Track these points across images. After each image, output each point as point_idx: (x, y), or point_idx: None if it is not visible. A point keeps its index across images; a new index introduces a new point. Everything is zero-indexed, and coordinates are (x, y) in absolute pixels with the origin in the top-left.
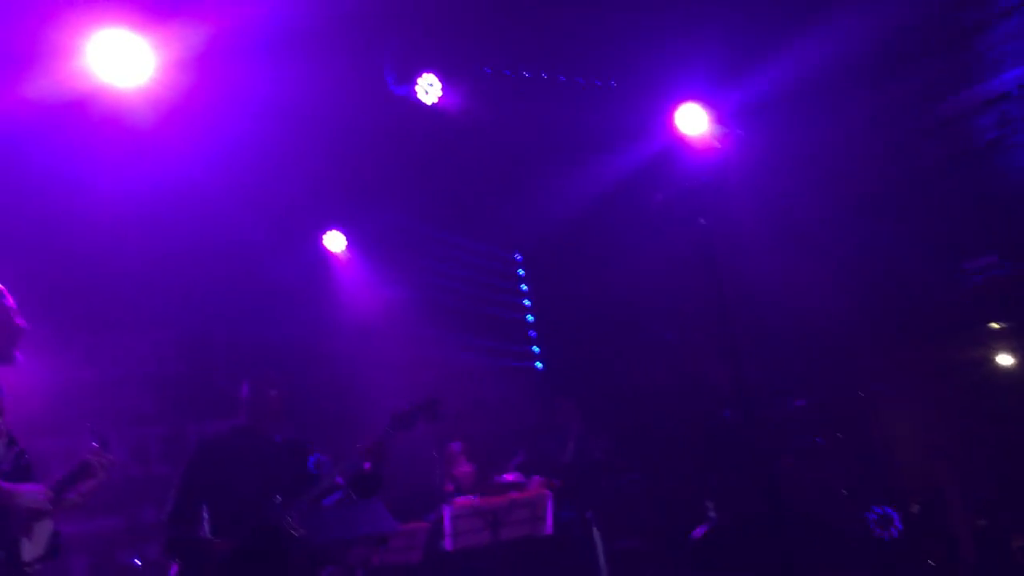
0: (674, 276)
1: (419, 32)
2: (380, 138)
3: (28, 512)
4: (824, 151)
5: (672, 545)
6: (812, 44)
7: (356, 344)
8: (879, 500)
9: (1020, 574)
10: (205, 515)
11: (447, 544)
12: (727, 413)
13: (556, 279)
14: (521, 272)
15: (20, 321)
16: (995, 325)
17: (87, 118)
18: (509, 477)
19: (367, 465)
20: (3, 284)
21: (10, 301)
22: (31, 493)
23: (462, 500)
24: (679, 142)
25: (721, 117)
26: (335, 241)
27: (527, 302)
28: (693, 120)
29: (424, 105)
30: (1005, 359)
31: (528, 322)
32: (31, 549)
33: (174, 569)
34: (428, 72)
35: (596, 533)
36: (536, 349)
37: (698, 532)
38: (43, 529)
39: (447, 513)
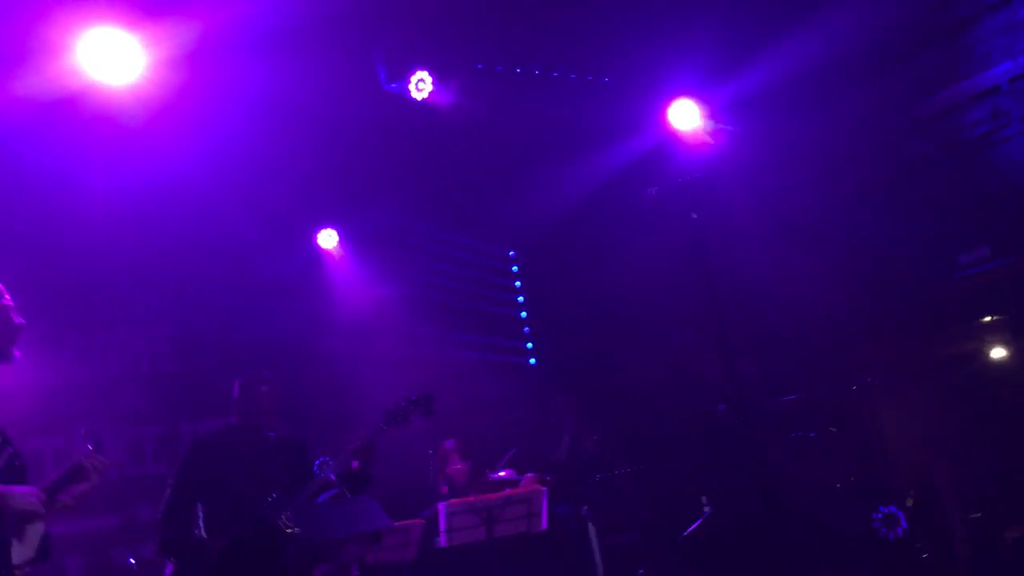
0: (667, 271)
1: (411, 29)
2: (373, 135)
3: (19, 514)
4: (816, 146)
5: (667, 540)
6: (804, 40)
7: (350, 341)
8: (876, 495)
9: (1013, 566)
10: (200, 514)
11: (442, 541)
12: (721, 407)
13: (550, 275)
14: (515, 268)
15: (18, 318)
16: (987, 318)
17: (78, 116)
18: (502, 474)
19: (355, 463)
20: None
21: (8, 299)
22: (23, 495)
23: (456, 498)
24: (672, 137)
25: (714, 112)
26: (328, 239)
27: (521, 298)
28: (686, 116)
29: (417, 102)
30: (997, 352)
31: (522, 318)
32: (21, 551)
33: (169, 568)
34: (420, 69)
35: (591, 529)
36: (530, 345)
37: (693, 527)
38: (34, 531)
39: (442, 510)
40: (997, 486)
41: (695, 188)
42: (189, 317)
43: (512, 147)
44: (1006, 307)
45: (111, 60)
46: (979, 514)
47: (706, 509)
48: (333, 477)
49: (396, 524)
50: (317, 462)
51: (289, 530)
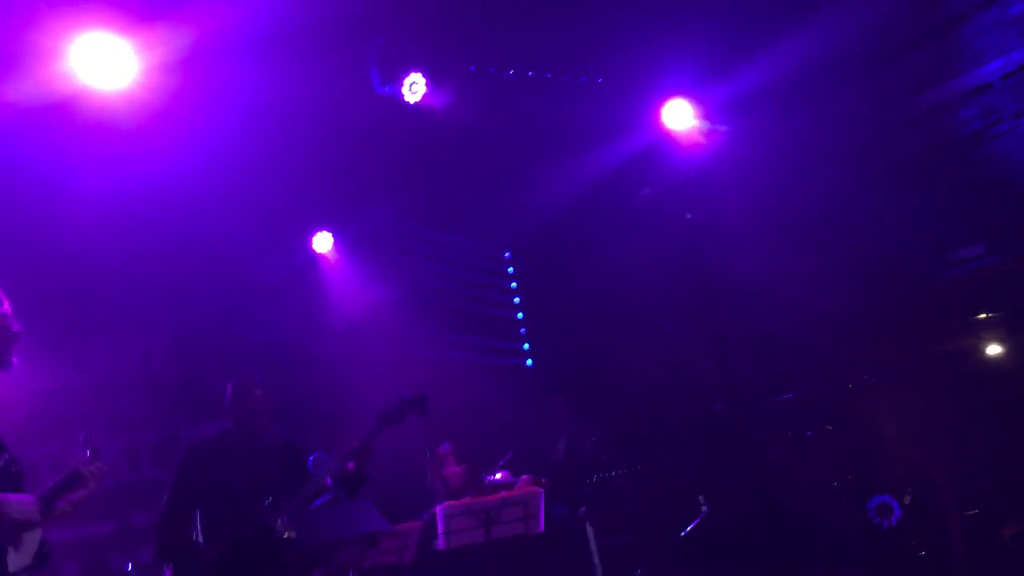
0: (663, 271)
1: (404, 32)
2: (367, 138)
3: (15, 523)
4: (810, 145)
5: (665, 540)
6: (796, 39)
7: (346, 344)
8: (872, 491)
9: (1010, 563)
10: (197, 518)
11: (440, 543)
12: (718, 407)
13: (545, 276)
14: (510, 270)
15: (16, 326)
16: (982, 315)
17: (72, 121)
18: (498, 476)
19: (351, 465)
20: None
21: (6, 306)
22: (18, 503)
23: (453, 500)
24: (666, 138)
25: (707, 112)
26: (323, 242)
27: (516, 300)
28: (679, 115)
29: (410, 104)
30: (992, 349)
31: (518, 320)
32: (18, 559)
33: (167, 573)
34: (413, 71)
35: (589, 530)
36: (526, 347)
37: (690, 527)
38: (31, 538)
39: (440, 512)
40: (994, 483)
41: (689, 188)
42: (185, 321)
43: (506, 148)
44: (1001, 304)
45: (104, 65)
46: (976, 511)
47: (703, 509)
48: (329, 481)
49: (394, 527)
50: (312, 458)
51: (285, 534)
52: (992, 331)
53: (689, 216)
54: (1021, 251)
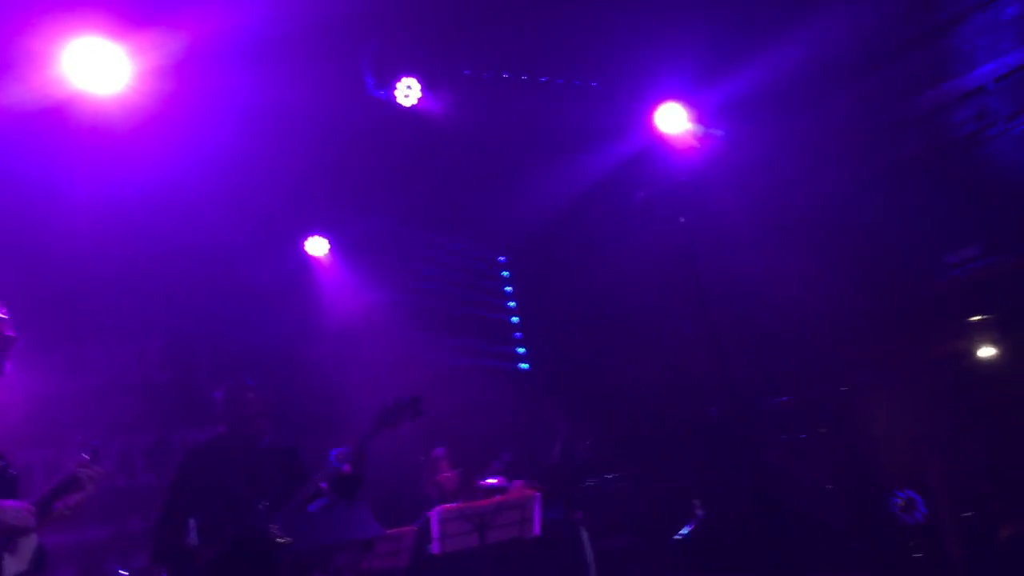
0: (657, 274)
1: (398, 35)
2: (361, 141)
3: (9, 528)
4: (804, 148)
5: (660, 543)
6: (790, 42)
7: (341, 348)
8: (867, 495)
9: (1006, 565)
10: (192, 523)
11: (434, 548)
12: (713, 411)
13: (540, 279)
14: (505, 273)
15: (10, 331)
16: (976, 317)
17: (65, 125)
18: (492, 481)
19: (347, 467)
20: None
21: (1, 312)
22: (13, 510)
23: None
24: (659, 141)
25: (701, 116)
26: (317, 246)
27: (511, 303)
28: (673, 119)
29: (405, 108)
30: (987, 351)
31: (513, 323)
32: (15, 564)
33: None
34: (407, 75)
35: (584, 533)
36: (521, 350)
37: (685, 530)
38: (27, 544)
39: (434, 517)
40: (990, 484)
41: (683, 192)
42: (179, 326)
43: (500, 152)
44: (995, 306)
45: (97, 69)
46: (971, 513)
47: (698, 512)
48: (324, 485)
49: (388, 532)
50: (333, 453)
51: (280, 539)
52: (988, 332)
53: (683, 220)
54: (1017, 252)
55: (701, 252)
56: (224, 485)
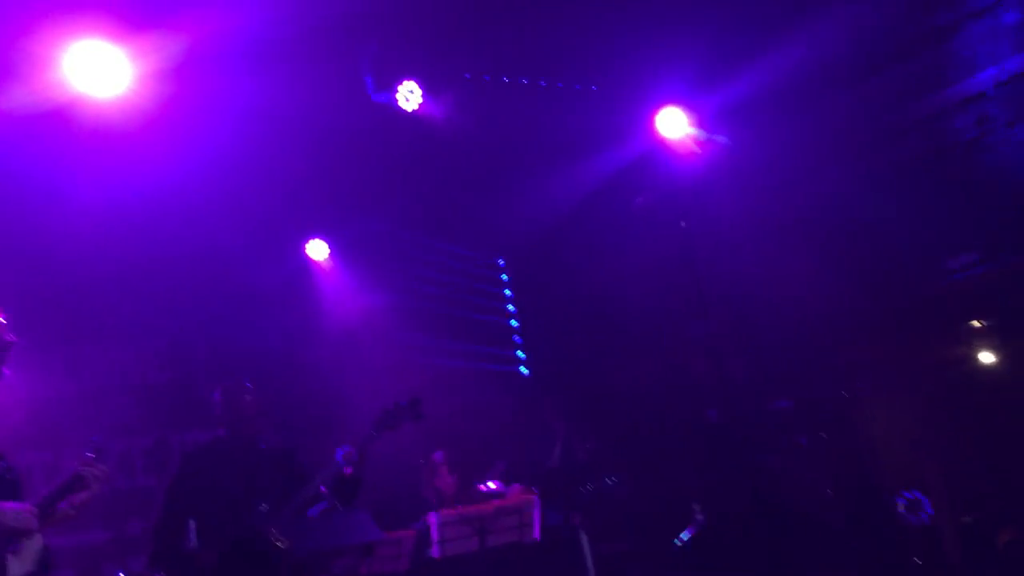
0: (657, 278)
1: (398, 39)
2: (361, 145)
3: (11, 530)
4: (804, 152)
5: (660, 547)
6: (790, 47)
7: (340, 351)
8: (867, 500)
9: (1006, 570)
10: (191, 526)
11: (434, 552)
12: (713, 414)
13: (540, 283)
14: (504, 277)
15: (10, 336)
16: (976, 323)
17: (66, 128)
18: (491, 486)
19: (348, 470)
20: None
21: (0, 315)
22: (14, 512)
23: (447, 508)
24: (660, 145)
25: (701, 120)
26: (318, 249)
27: (511, 307)
28: (673, 124)
29: (405, 111)
30: (987, 356)
31: (512, 327)
32: (20, 565)
33: None
34: (408, 79)
35: (583, 537)
36: (521, 354)
37: (685, 535)
38: (32, 545)
39: (434, 521)
40: (988, 489)
41: (683, 196)
42: (178, 328)
43: (500, 156)
44: (996, 310)
45: (98, 72)
46: (970, 517)
47: (698, 516)
48: (324, 489)
49: (388, 535)
50: (340, 452)
51: (279, 543)
52: (986, 338)
53: (683, 224)
54: (1016, 258)
55: (701, 256)
56: (223, 487)
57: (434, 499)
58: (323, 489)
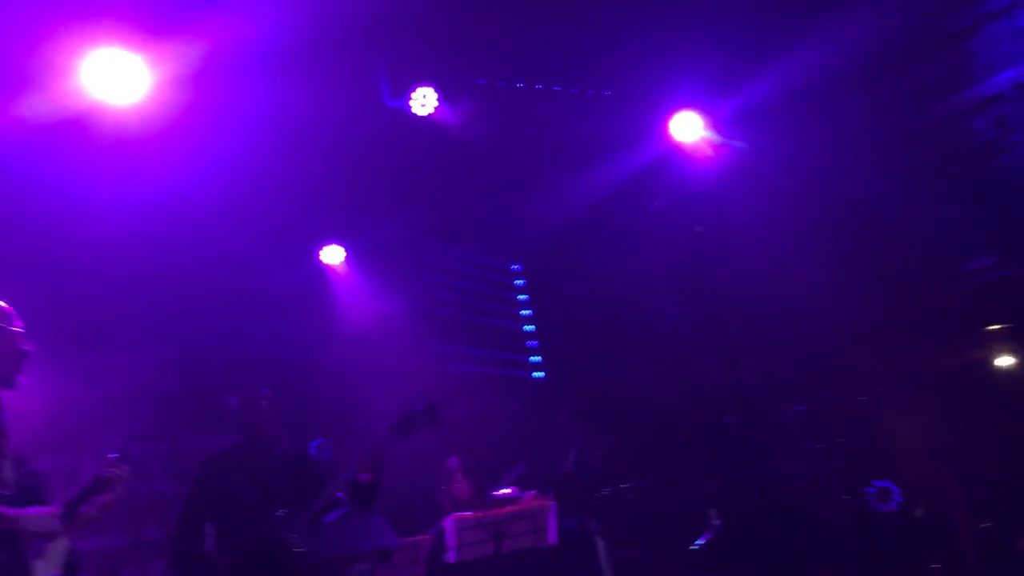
0: (673, 283)
1: (413, 45)
2: (376, 151)
3: (33, 535)
4: (819, 156)
5: (676, 553)
6: (806, 50)
7: (356, 356)
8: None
9: None
10: (209, 531)
11: (450, 556)
12: (728, 420)
13: (555, 289)
14: (520, 282)
15: (26, 345)
16: (995, 327)
17: (84, 136)
18: (506, 491)
19: (366, 476)
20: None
21: (17, 324)
22: (37, 516)
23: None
24: (674, 150)
25: (716, 125)
26: (333, 254)
27: (526, 312)
28: (688, 128)
29: (420, 117)
30: (1005, 360)
31: (528, 332)
32: (46, 568)
33: None
34: (423, 85)
35: (599, 542)
36: (536, 359)
37: (701, 540)
38: (58, 548)
39: (450, 525)
40: (1007, 495)
41: (699, 201)
42: (195, 335)
43: (515, 161)
44: (1013, 315)
45: (116, 80)
46: (990, 524)
47: (714, 521)
48: (341, 495)
49: (404, 540)
50: (314, 445)
51: (297, 548)
52: (1006, 341)
53: (699, 229)
54: None
55: (717, 261)
56: (240, 492)
57: (449, 505)
58: (340, 495)
